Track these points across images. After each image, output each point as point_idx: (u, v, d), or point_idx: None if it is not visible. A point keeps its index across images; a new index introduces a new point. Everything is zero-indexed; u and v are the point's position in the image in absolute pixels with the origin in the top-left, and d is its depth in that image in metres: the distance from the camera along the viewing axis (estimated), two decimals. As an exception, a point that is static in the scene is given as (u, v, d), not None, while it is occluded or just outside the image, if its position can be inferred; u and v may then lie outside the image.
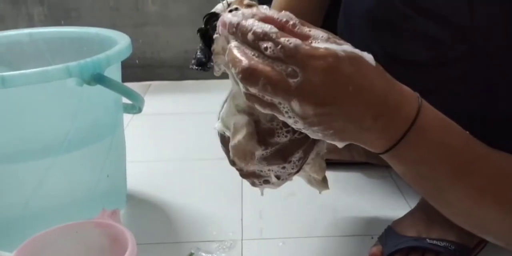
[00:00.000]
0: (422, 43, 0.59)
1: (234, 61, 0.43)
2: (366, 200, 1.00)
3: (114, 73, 0.80)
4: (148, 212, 0.98)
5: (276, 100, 0.43)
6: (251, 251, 0.85)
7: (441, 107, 0.65)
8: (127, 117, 1.46)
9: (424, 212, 0.84)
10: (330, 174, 1.10)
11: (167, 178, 1.12)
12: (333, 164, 1.12)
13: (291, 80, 0.41)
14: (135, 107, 0.86)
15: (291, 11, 0.71)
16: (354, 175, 1.10)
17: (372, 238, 0.86)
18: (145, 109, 0.87)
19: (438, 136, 0.49)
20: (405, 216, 0.86)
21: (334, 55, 0.41)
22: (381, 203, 0.99)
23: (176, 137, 1.36)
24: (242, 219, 0.93)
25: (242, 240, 0.88)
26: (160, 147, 1.30)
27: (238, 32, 0.43)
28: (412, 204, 0.96)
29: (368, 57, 0.45)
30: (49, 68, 0.70)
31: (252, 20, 0.43)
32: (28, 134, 0.75)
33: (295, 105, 0.42)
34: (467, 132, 0.52)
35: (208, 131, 1.39)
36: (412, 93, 0.49)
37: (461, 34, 0.57)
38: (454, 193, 0.52)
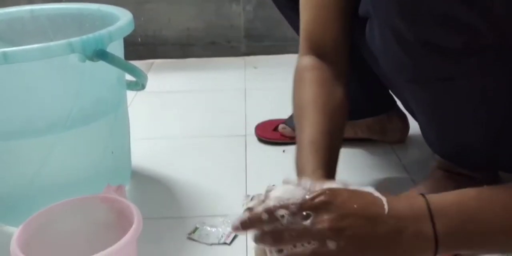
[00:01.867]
0: (454, 29, 0.57)
1: None
2: (369, 176, 1.00)
3: (116, 49, 0.80)
4: (153, 188, 0.99)
5: None
6: (256, 226, 0.86)
7: (465, 95, 0.65)
8: (130, 95, 1.46)
9: (428, 187, 0.85)
10: (333, 151, 1.11)
11: (172, 155, 1.13)
12: (336, 140, 1.12)
13: None
14: (138, 84, 0.86)
15: (315, 20, 0.76)
16: (357, 151, 1.10)
17: (375, 212, 0.86)
18: (148, 87, 0.87)
19: (464, 231, 0.52)
20: (409, 192, 0.87)
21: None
22: (384, 179, 0.99)
23: (180, 114, 1.36)
24: (246, 194, 0.94)
25: (246, 215, 0.88)
26: (164, 125, 1.30)
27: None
28: (415, 178, 0.96)
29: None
30: (51, 43, 0.70)
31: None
32: (31, 110, 0.75)
33: None
34: (479, 197, 0.54)
35: (211, 109, 1.40)
36: (415, 197, 0.53)
37: (494, 22, 0.56)
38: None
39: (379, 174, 1.01)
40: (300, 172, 0.67)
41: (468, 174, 0.82)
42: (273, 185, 0.55)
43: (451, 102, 0.67)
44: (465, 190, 0.54)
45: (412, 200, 0.53)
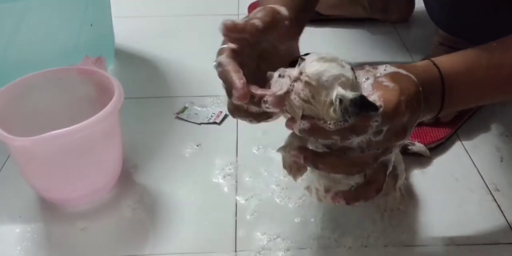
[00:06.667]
0: None
1: None
2: (370, 56, 0.95)
3: None
4: (139, 68, 0.94)
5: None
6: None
7: None
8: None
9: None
10: (332, 31, 1.05)
11: (159, 34, 1.06)
12: (335, 20, 1.05)
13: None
14: None
15: None
16: (358, 31, 1.03)
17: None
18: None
19: (467, 84, 0.50)
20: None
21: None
22: (385, 59, 0.94)
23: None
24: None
25: (237, 95, 0.84)
26: (149, 2, 1.20)
27: None
28: (417, 59, 0.92)
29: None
30: None
31: None
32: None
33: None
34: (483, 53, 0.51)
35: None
36: (427, 66, 0.49)
37: None
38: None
39: (380, 54, 0.96)
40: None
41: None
42: (306, 55, 0.45)
43: None
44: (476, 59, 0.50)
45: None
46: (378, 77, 0.46)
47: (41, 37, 0.74)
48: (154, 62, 0.96)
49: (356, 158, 0.45)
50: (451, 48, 0.79)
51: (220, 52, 0.48)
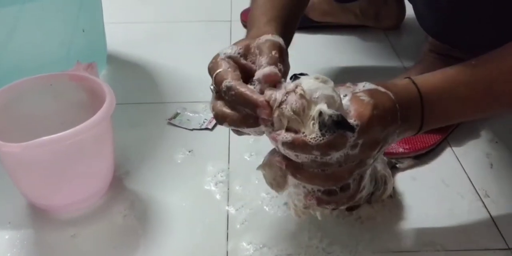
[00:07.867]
0: None
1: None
2: (361, 63, 0.96)
3: None
4: (132, 74, 0.94)
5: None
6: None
7: None
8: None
9: (419, 72, 0.81)
10: (325, 38, 1.05)
11: (151, 40, 1.06)
12: (327, 27, 1.05)
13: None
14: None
15: None
16: (350, 38, 1.04)
17: (363, 99, 0.83)
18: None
19: (447, 101, 0.51)
20: (400, 77, 0.83)
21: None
22: (376, 65, 0.94)
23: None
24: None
25: (229, 101, 0.85)
26: (142, 8, 1.20)
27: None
28: (408, 65, 0.92)
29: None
30: None
31: None
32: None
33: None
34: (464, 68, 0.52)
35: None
36: (406, 84, 0.51)
37: None
38: (494, 110, 0.56)
39: (371, 61, 0.96)
40: (251, 26, 0.58)
41: (461, 57, 0.78)
42: (299, 75, 0.48)
43: None
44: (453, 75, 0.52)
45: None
46: (356, 92, 0.48)
47: (34, 43, 0.74)
48: (147, 68, 0.96)
49: (332, 173, 0.47)
50: (441, 55, 0.80)
51: (219, 74, 0.50)
